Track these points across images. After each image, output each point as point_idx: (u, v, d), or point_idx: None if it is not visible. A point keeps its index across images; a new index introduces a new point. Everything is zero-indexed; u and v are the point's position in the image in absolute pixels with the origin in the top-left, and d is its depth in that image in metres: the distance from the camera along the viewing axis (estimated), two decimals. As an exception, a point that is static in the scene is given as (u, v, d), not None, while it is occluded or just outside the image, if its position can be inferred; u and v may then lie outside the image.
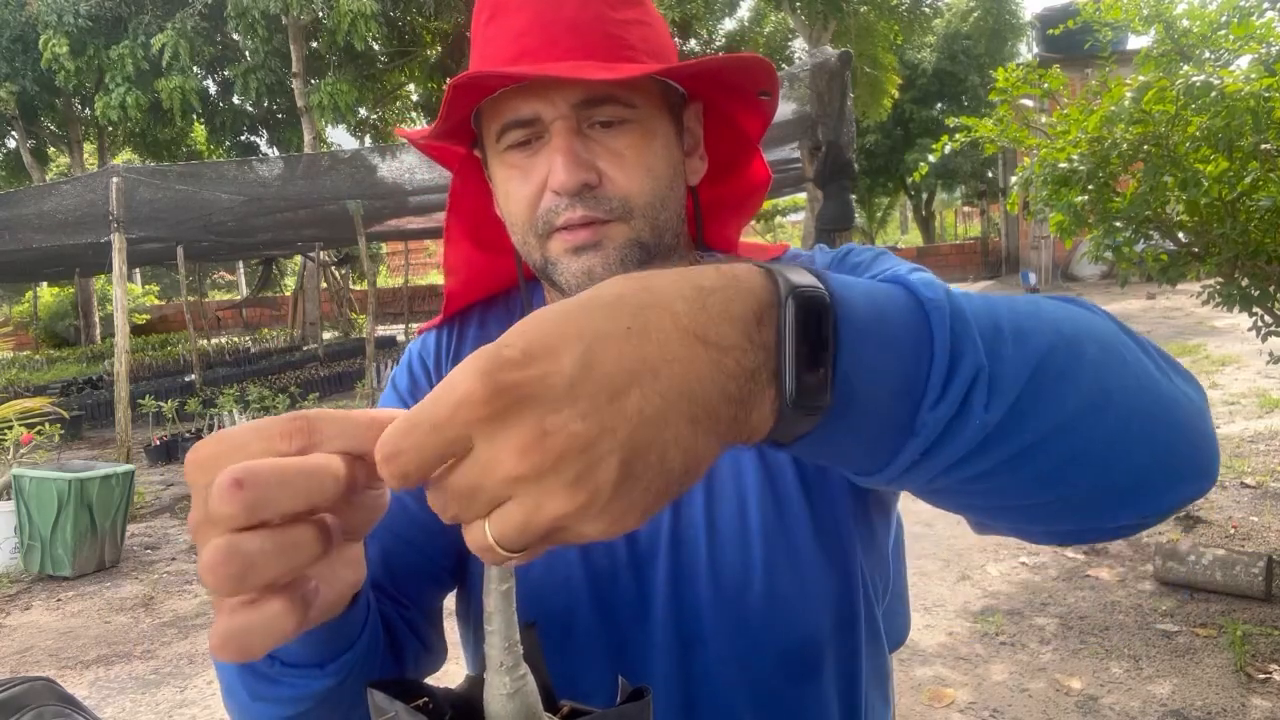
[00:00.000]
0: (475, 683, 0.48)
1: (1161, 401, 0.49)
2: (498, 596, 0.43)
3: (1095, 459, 0.46)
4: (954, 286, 0.60)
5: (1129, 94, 3.38)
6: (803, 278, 0.40)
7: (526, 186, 0.73)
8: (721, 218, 0.88)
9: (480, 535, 0.36)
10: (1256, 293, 3.50)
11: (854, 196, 6.55)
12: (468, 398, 0.33)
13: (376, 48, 17.80)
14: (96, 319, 22.02)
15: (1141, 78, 3.36)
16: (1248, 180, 3.27)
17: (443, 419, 0.34)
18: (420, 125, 20.39)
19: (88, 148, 22.07)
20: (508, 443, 0.33)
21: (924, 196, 30.51)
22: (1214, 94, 3.05)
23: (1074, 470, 0.46)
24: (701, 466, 0.37)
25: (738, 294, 0.38)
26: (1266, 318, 3.66)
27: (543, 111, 0.70)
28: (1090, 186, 3.51)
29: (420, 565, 0.77)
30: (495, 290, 0.91)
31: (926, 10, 17.50)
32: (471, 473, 0.34)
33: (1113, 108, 3.41)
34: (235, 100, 19.34)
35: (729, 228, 0.88)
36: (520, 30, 0.72)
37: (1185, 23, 3.66)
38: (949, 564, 3.88)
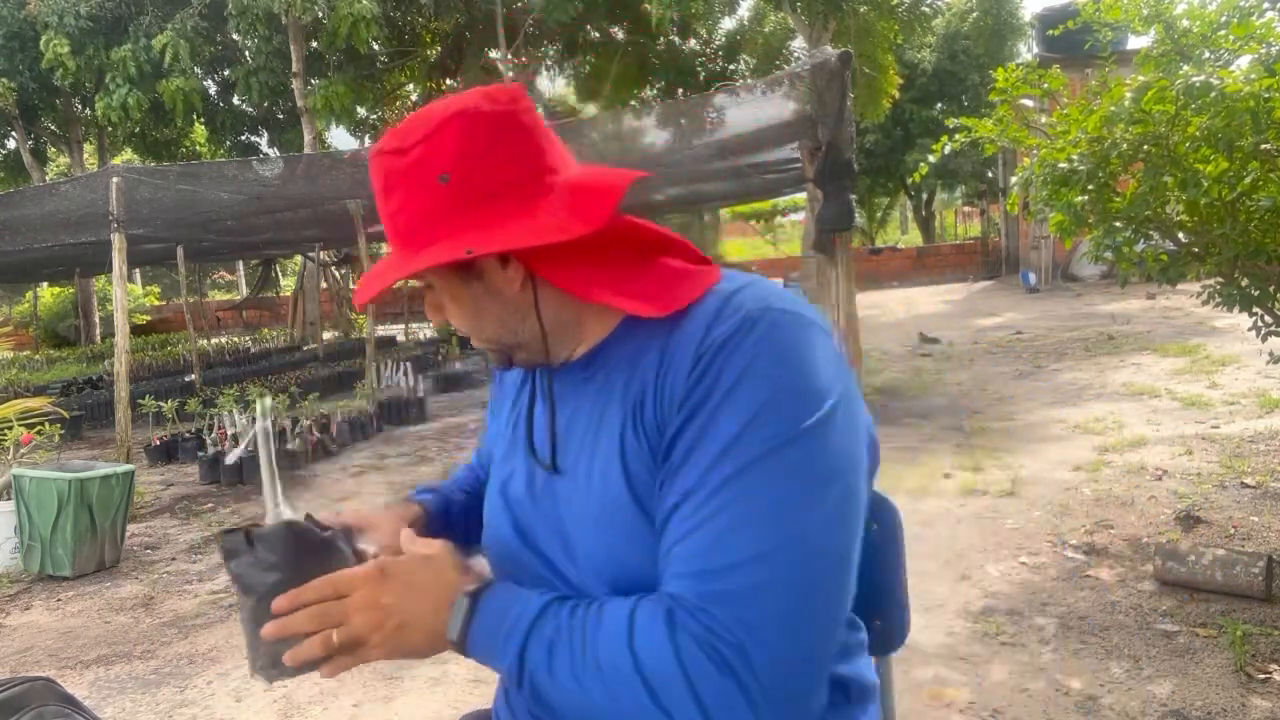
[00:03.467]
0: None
1: None
2: (264, 456, 0.75)
3: None
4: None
5: (1129, 94, 3.38)
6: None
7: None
8: (575, 259, 0.89)
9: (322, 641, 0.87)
10: (1256, 293, 3.50)
11: (854, 196, 6.54)
12: (369, 587, 0.89)
13: (377, 48, 17.78)
14: (96, 319, 21.99)
15: (1141, 78, 3.36)
16: (1248, 180, 3.27)
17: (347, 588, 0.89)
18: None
19: (88, 148, 22.04)
20: (366, 603, 0.88)
21: (924, 196, 30.50)
22: (1214, 94, 3.05)
23: None
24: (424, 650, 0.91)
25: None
26: (1266, 318, 3.66)
27: None
28: (1090, 186, 3.51)
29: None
30: None
31: (926, 10, 17.43)
32: (343, 608, 0.87)
33: (1113, 108, 3.41)
34: (236, 101, 19.31)
35: (579, 270, 0.89)
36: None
37: (1185, 23, 3.66)
38: (949, 564, 3.88)
